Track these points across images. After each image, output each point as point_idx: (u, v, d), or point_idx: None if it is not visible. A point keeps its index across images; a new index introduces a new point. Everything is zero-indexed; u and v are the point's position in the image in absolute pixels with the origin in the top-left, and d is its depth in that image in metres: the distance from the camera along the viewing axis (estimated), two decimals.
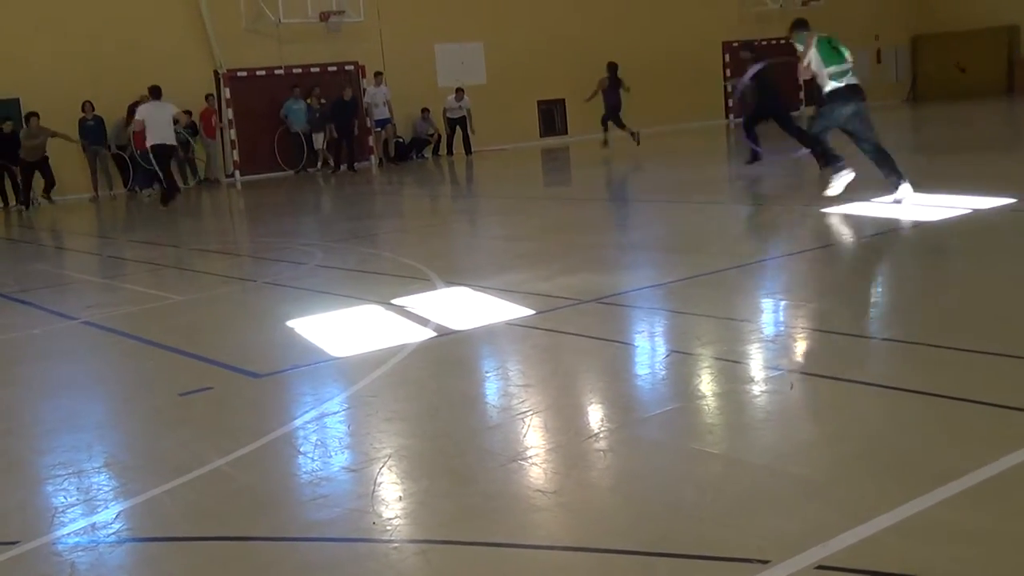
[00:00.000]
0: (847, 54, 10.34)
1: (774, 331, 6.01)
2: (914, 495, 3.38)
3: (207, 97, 22.07)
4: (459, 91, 24.06)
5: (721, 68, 30.05)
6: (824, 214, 10.10)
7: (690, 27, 28.79)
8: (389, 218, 14.70)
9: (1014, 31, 32.39)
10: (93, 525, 3.78)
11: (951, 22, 33.46)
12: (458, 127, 24.43)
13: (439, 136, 24.73)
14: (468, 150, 24.33)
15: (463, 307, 7.14)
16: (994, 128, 21.65)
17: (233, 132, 22.48)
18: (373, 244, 11.21)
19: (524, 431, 4.44)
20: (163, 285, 9.66)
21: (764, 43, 30.58)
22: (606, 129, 22.40)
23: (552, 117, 27.19)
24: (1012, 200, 9.61)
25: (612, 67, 21.99)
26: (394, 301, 7.36)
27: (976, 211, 9.38)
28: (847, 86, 10.29)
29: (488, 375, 5.60)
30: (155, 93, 16.51)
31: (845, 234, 9.22)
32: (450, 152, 24.57)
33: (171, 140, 16.46)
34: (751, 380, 4.99)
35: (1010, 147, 17.58)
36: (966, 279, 7.08)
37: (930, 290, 6.80)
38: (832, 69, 10.28)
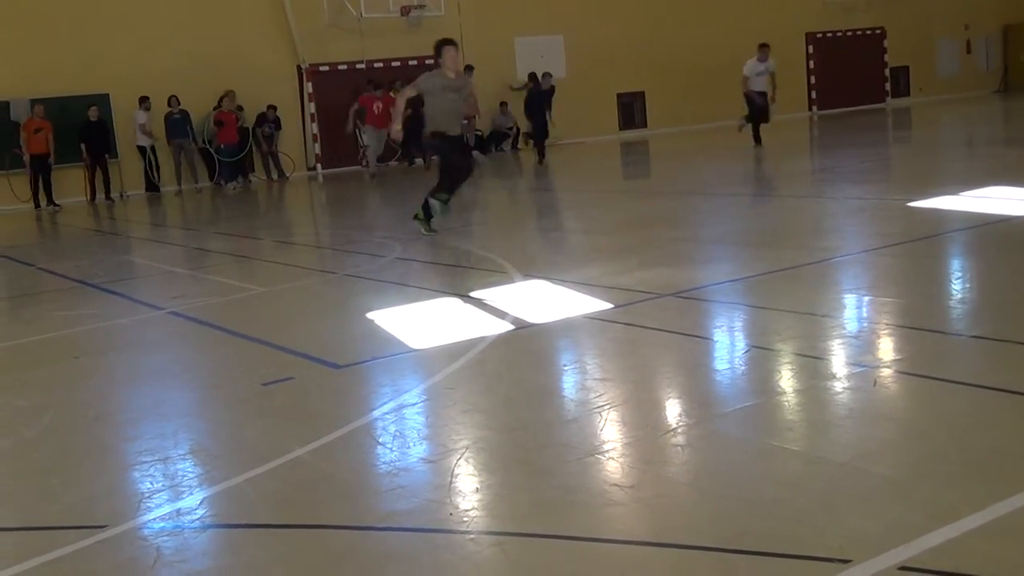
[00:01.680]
0: None
1: (856, 327, 5.90)
2: (1000, 497, 3.30)
3: (221, 100, 21.31)
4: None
5: (805, 60, 29.61)
6: (910, 208, 9.89)
7: (773, 19, 28.37)
8: (467, 211, 14.76)
9: None
10: (178, 511, 3.87)
11: None
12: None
13: (518, 130, 24.75)
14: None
15: (541, 300, 7.14)
16: None
17: (315, 126, 22.76)
18: (451, 237, 11.27)
19: (601, 425, 4.43)
20: (246, 276, 9.83)
21: (850, 33, 30.14)
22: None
23: (631, 110, 27.05)
24: None
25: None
26: (472, 294, 7.40)
27: None
28: None
29: (565, 368, 5.60)
30: None
31: (932, 229, 9.02)
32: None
33: None
34: (832, 376, 4.91)
35: None
36: None
37: (1019, 287, 6.61)
38: None
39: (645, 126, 27.08)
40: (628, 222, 11.35)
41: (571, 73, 25.20)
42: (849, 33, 30.36)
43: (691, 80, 27.06)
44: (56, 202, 20.03)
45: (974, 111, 26.27)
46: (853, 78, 30.28)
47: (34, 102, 19.76)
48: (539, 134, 20.57)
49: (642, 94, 26.97)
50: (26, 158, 19.72)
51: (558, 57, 25.18)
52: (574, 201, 14.90)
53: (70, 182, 20.44)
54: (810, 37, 29.44)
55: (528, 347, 5.99)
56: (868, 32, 30.61)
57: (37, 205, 20.11)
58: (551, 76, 20.93)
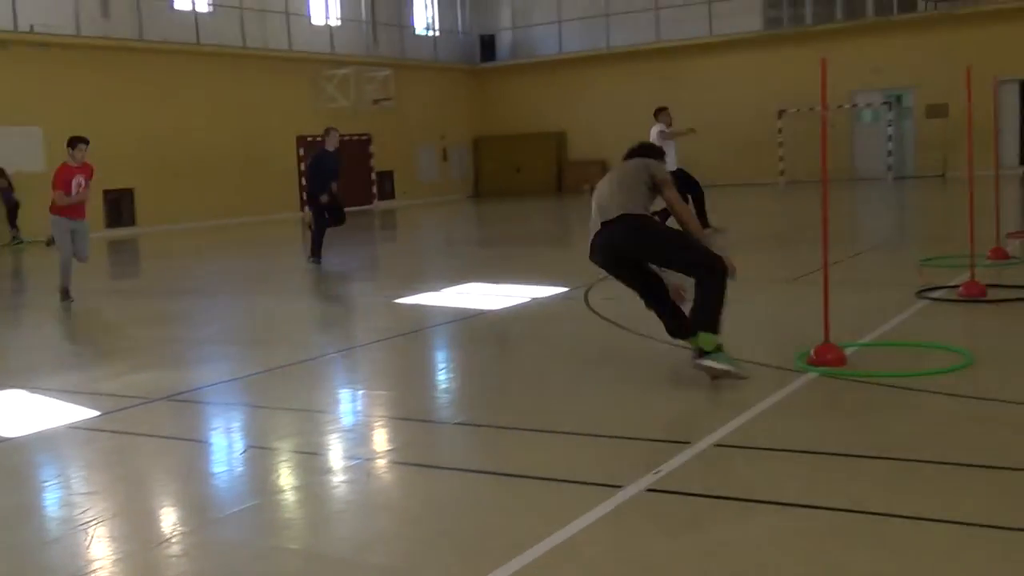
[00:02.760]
0: None
1: (351, 421, 6.07)
2: (491, 569, 3.53)
3: None
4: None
5: (296, 162, 30.39)
6: (397, 305, 10.43)
7: (266, 122, 28.90)
8: None
9: (562, 136, 35.74)
10: None
11: (508, 126, 36.35)
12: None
13: None
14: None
15: (17, 411, 6.54)
16: (547, 224, 23.60)
17: None
18: None
19: (88, 542, 4.12)
20: None
21: (345, 137, 31.44)
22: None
23: (119, 207, 25.98)
24: (565, 289, 10.48)
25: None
26: None
27: (535, 299, 10.12)
28: None
29: (46, 485, 5.15)
30: None
31: (417, 324, 9.56)
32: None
33: None
34: (330, 471, 5.00)
35: (561, 241, 19.21)
36: (529, 362, 7.59)
37: (497, 374, 7.20)
38: None
39: (134, 224, 26.13)
40: (118, 324, 10.82)
41: (50, 165, 23.69)
42: (346, 137, 31.68)
43: (183, 179, 26.65)
44: None
45: (452, 214, 28.50)
46: (343, 181, 31.47)
47: None
48: None
49: (131, 191, 26.04)
50: None
51: (36, 149, 23.62)
52: (55, 303, 13.90)
53: None
54: (302, 140, 30.30)
55: (2, 464, 5.44)
56: (356, 138, 32.16)
57: None
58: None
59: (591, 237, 6.48)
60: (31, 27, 23.68)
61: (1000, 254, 10.66)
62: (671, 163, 14.30)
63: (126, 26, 25.90)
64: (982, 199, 10.27)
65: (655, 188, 6.44)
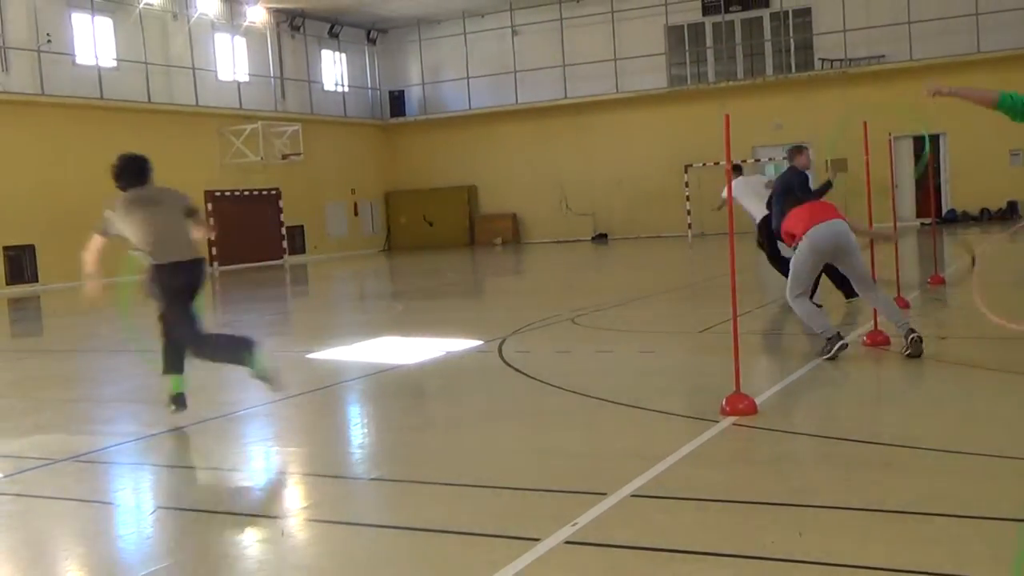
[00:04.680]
0: None
1: (264, 479, 5.97)
2: None
3: None
4: None
5: (207, 215, 29.98)
6: (310, 359, 10.32)
7: (173, 175, 28.43)
8: None
9: (473, 190, 35.98)
10: None
11: (419, 180, 36.51)
12: None
13: None
14: None
15: None
16: (459, 276, 23.64)
17: None
18: None
19: None
20: None
21: (248, 192, 31.23)
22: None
23: (21, 263, 25.31)
24: (479, 342, 10.49)
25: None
26: None
27: (449, 353, 10.11)
28: None
29: None
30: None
31: (330, 379, 9.47)
32: None
33: None
34: (242, 530, 4.90)
35: (474, 295, 19.26)
36: (443, 416, 7.57)
37: (411, 428, 7.15)
38: None
39: (37, 280, 25.46)
40: (18, 382, 10.49)
41: None
42: (248, 192, 31.43)
43: (88, 234, 26.08)
44: None
45: (364, 268, 28.38)
46: (253, 235, 31.26)
47: None
48: None
49: (32, 247, 25.40)
50: None
51: None
52: None
53: None
54: (210, 195, 29.96)
55: None
56: (266, 192, 31.92)
57: None
58: None
59: None
60: None
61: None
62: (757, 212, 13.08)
63: (26, 80, 25.43)
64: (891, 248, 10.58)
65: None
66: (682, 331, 10.66)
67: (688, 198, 30.96)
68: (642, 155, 32.71)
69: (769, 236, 12.45)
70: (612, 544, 4.30)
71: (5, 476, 6.06)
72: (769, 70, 32.00)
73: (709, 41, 32.88)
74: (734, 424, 6.26)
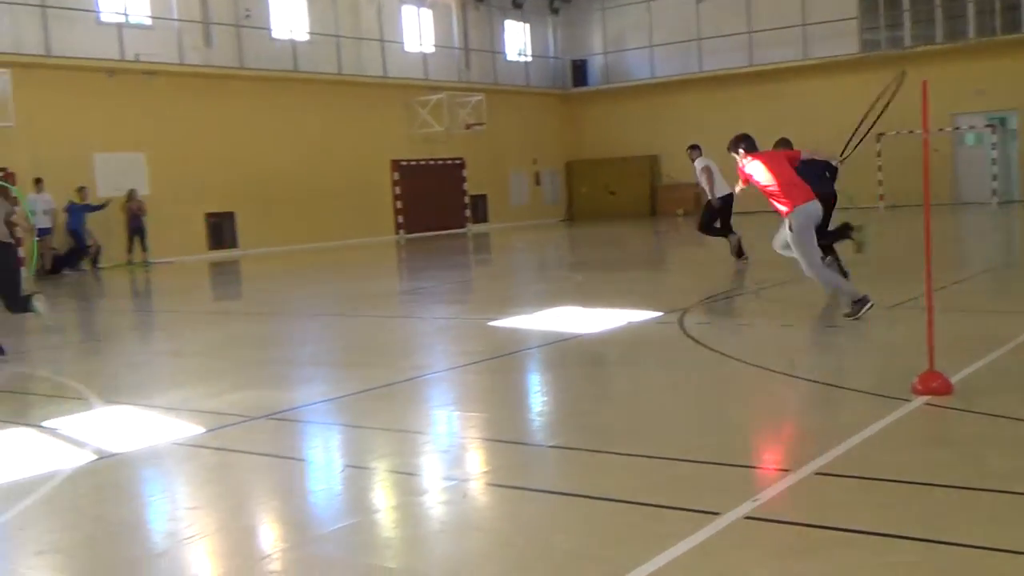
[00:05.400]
0: None
1: (447, 442, 6.11)
2: None
3: None
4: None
5: (391, 186, 30.79)
6: (491, 327, 10.48)
7: (360, 146, 29.41)
8: (43, 334, 13.70)
9: (655, 160, 35.61)
10: None
11: (601, 149, 36.37)
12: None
13: (98, 247, 23.54)
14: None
15: (124, 427, 6.74)
16: (641, 247, 23.51)
17: None
18: (23, 362, 10.39)
19: (193, 557, 4.22)
20: None
21: (432, 162, 31.87)
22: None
23: (221, 230, 26.65)
24: (659, 313, 10.42)
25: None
26: (45, 423, 6.84)
27: (630, 323, 10.08)
28: None
29: (152, 499, 5.30)
30: None
31: (511, 346, 9.60)
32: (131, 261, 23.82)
33: None
34: (425, 491, 5.04)
35: (656, 265, 19.13)
36: (622, 386, 7.57)
37: (590, 398, 7.19)
38: None
39: (236, 246, 26.76)
40: (220, 344, 11.08)
41: (156, 191, 24.48)
42: (432, 162, 32.09)
43: (282, 203, 27.24)
44: None
45: (545, 237, 28.56)
46: (437, 204, 31.93)
47: None
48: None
49: (232, 214, 26.70)
50: None
51: (140, 174, 24.39)
52: (162, 322, 14.31)
53: None
54: (396, 164, 30.74)
55: (110, 479, 5.61)
56: (449, 162, 32.53)
57: None
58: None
59: None
60: (136, 57, 24.49)
61: None
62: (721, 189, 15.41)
63: (227, 55, 26.63)
64: None
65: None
66: (876, 306, 10.29)
67: (880, 168, 29.75)
68: (831, 124, 31.48)
69: (715, 212, 15.57)
70: (794, 522, 4.21)
71: (207, 431, 6.42)
72: (971, 32, 30.32)
73: (906, 3, 31.37)
74: (926, 404, 6.01)
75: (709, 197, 15.69)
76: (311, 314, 13.28)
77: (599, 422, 6.33)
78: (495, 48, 35.02)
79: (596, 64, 37.22)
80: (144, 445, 6.20)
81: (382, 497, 5.06)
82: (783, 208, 9.31)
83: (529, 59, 36.50)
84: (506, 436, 6.07)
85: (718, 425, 6.01)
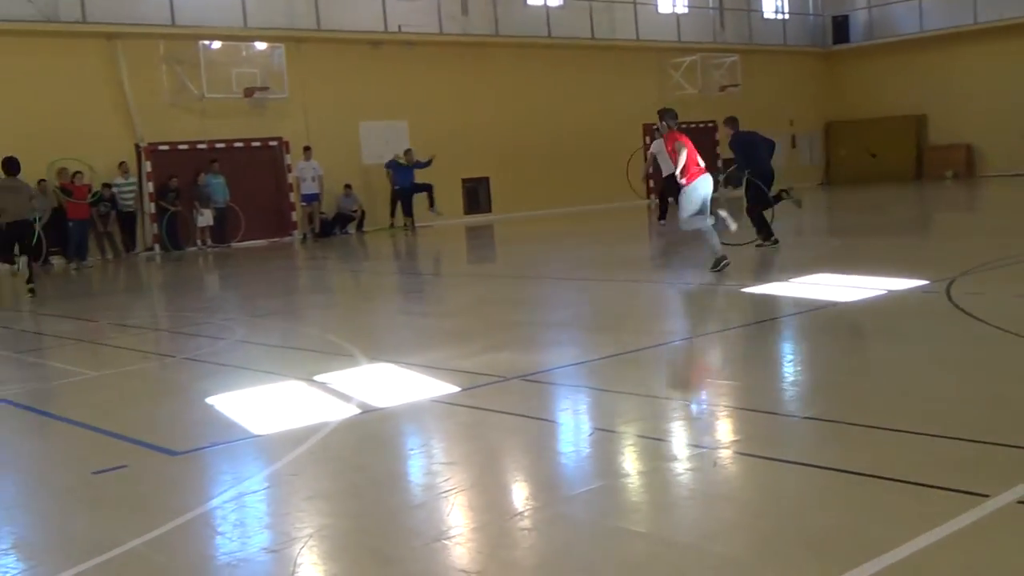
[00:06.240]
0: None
1: (696, 409, 6.06)
2: (842, 571, 3.40)
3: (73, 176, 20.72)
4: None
5: (642, 150, 30.66)
6: (745, 294, 10.28)
7: (614, 110, 29.41)
8: (313, 294, 14.59)
9: (922, 119, 33.67)
10: None
11: (863, 110, 34.72)
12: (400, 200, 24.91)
13: (363, 212, 24.76)
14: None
15: (386, 384, 7.08)
16: (905, 212, 22.35)
17: (153, 206, 22.21)
18: (296, 320, 11.10)
19: (448, 510, 4.39)
20: (78, 360, 9.42)
21: (684, 126, 31.46)
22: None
23: (477, 195, 27.42)
24: (924, 282, 9.89)
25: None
26: (316, 377, 7.28)
27: (891, 292, 9.62)
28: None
29: (412, 452, 5.54)
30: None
31: (766, 313, 9.38)
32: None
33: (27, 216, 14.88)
34: (674, 458, 5.01)
35: (921, 231, 18.15)
36: (883, 358, 7.24)
37: (848, 369, 6.93)
38: None
39: (490, 211, 27.47)
40: (474, 305, 11.42)
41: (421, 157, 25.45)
42: (685, 125, 31.63)
43: (537, 166, 27.69)
44: None
45: (802, 201, 27.62)
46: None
47: None
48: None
49: (487, 179, 27.39)
50: None
51: (402, 141, 25.41)
52: (420, 284, 14.92)
53: None
54: (647, 128, 30.56)
55: (373, 431, 5.92)
56: (702, 125, 32.02)
57: None
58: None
59: None
60: (399, 27, 25.45)
61: None
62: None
63: (483, 23, 27.22)
64: None
65: None
66: None
67: None
68: None
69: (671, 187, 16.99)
70: None
71: (462, 390, 6.64)
72: None
73: None
74: None
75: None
76: (561, 277, 13.45)
77: (856, 395, 6.09)
78: (751, 6, 34.06)
79: (858, 20, 35.53)
80: (404, 401, 6.50)
81: (630, 462, 5.07)
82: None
83: (786, 16, 35.29)
84: (758, 405, 5.94)
85: (989, 402, 5.64)
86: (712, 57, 31.34)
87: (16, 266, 15.01)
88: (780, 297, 9.97)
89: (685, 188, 11.81)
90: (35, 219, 14.98)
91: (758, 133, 15.45)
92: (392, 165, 24.28)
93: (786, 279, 10.92)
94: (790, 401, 6.19)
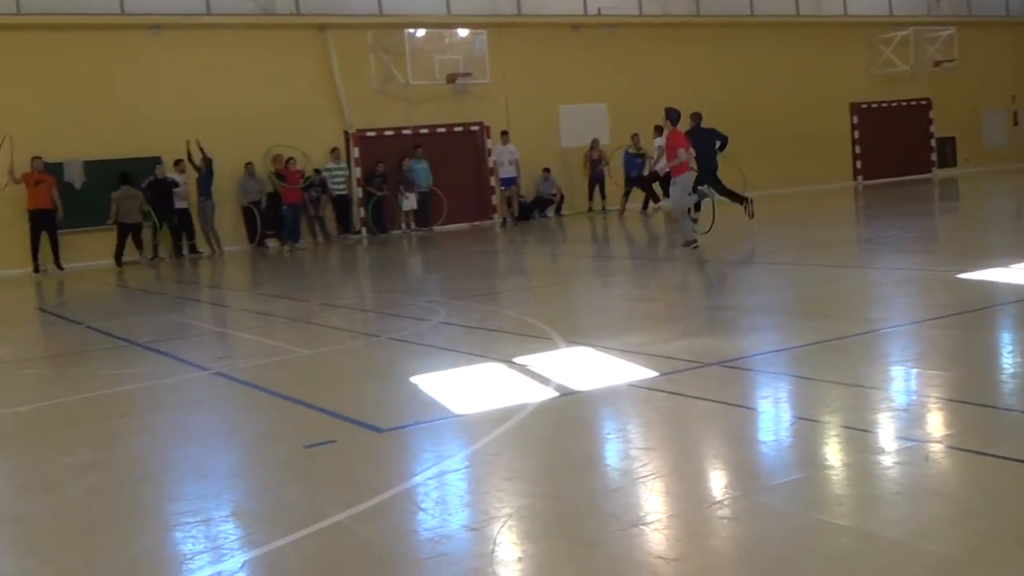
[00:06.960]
0: None
1: (905, 400, 5.81)
2: None
3: (287, 162, 21.79)
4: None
5: (849, 129, 29.60)
6: (959, 280, 9.78)
7: (818, 90, 28.50)
8: (512, 276, 14.80)
9: None
10: (219, 574, 3.85)
11: None
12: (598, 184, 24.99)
13: (561, 196, 24.92)
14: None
15: (585, 367, 7.12)
16: None
17: (360, 191, 23.04)
18: (496, 302, 11.29)
19: (646, 495, 4.38)
20: (291, 338, 9.89)
21: (895, 104, 30.16)
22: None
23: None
24: None
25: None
26: (516, 360, 7.39)
27: None
28: None
29: (610, 437, 5.55)
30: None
31: (981, 301, 8.90)
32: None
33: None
34: (881, 451, 4.83)
35: None
36: None
37: None
38: None
39: None
40: (671, 289, 11.32)
41: (616, 141, 25.36)
42: (895, 104, 30.38)
43: (736, 148, 27.09)
44: (62, 265, 19.31)
45: (1022, 182, 26.06)
46: (899, 148, 30.24)
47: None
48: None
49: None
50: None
51: (602, 124, 25.40)
52: (615, 268, 14.91)
53: (97, 245, 20.09)
54: (855, 108, 29.47)
55: (572, 414, 5.96)
56: (914, 103, 30.60)
57: (37, 269, 19.20)
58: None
59: None
60: (599, 10, 25.41)
61: None
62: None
63: (684, 3, 26.84)
64: None
65: None
66: None
67: None
68: None
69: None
70: None
71: (660, 375, 6.60)
72: None
73: None
74: None
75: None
76: (764, 261, 13.16)
77: None
78: None
79: None
80: (602, 385, 6.51)
81: (834, 453, 4.92)
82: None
83: None
84: (972, 397, 5.65)
85: None
86: (926, 31, 29.86)
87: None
88: (998, 283, 9.43)
89: (675, 179, 14.65)
90: (143, 220, 20.12)
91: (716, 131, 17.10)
92: (625, 156, 24.24)
93: (1006, 265, 10.31)
94: (1008, 394, 5.85)
